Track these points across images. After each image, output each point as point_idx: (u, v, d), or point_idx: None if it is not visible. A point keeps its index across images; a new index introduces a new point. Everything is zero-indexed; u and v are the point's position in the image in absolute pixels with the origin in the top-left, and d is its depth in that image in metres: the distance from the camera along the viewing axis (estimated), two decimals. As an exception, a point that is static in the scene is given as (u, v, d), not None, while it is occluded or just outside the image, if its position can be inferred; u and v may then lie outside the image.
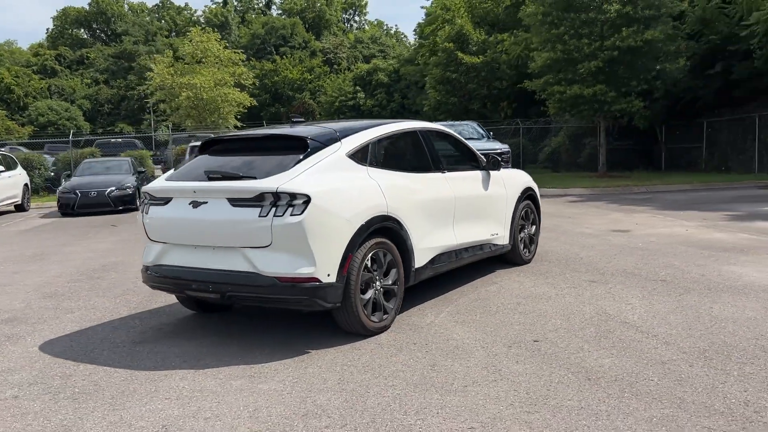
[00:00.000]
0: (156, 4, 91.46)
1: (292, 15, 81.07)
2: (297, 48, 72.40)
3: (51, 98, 64.96)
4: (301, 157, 4.70)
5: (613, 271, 6.77)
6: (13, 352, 4.83)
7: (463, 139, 6.76)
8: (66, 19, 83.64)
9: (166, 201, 4.88)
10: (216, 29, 48.25)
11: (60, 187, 17.24)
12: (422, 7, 45.09)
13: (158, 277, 4.99)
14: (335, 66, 70.00)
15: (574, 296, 5.78)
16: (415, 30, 46.96)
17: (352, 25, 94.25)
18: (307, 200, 4.36)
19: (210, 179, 4.72)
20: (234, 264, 4.52)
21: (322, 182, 4.55)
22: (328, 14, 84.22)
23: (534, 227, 7.54)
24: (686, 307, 5.29)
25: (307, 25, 79.91)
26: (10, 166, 17.48)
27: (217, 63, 33.14)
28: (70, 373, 4.28)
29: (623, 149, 24.29)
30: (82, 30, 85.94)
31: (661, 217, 11.36)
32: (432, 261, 5.52)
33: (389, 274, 4.99)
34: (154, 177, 22.78)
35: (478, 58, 29.70)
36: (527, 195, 7.33)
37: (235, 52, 35.60)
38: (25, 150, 26.57)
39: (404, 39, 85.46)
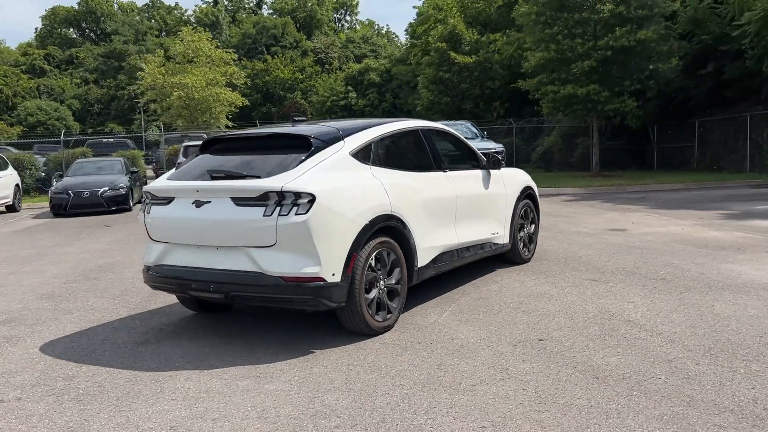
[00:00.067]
0: (146, 4, 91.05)
1: (283, 14, 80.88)
2: (288, 48, 72.23)
3: (40, 98, 64.47)
4: (305, 156, 4.67)
5: (613, 270, 6.79)
6: (14, 353, 4.77)
7: (464, 138, 6.76)
8: (55, 19, 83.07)
9: (168, 200, 4.84)
10: (207, 29, 48.04)
11: (52, 188, 17.12)
12: (414, 7, 44.98)
13: (160, 277, 4.95)
14: (327, 66, 69.91)
15: (575, 295, 5.79)
16: (406, 30, 47.03)
17: (343, 25, 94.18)
18: (312, 199, 4.33)
19: (213, 178, 4.68)
20: (238, 264, 4.49)
21: (327, 181, 4.53)
22: (319, 14, 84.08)
23: (533, 226, 7.54)
24: (688, 305, 5.30)
25: (298, 25, 79.75)
26: (0, 166, 17.33)
27: (208, 62, 33.01)
28: (73, 374, 4.23)
29: (616, 149, 24.41)
30: (71, 29, 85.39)
31: (657, 216, 11.41)
32: (434, 260, 5.51)
33: (393, 274, 4.98)
34: (146, 177, 22.69)
35: (471, 58, 29.74)
36: (527, 194, 7.33)
37: (226, 52, 35.46)
38: (14, 150, 26.34)
39: (395, 39, 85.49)
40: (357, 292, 4.55)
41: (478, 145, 16.39)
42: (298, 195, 4.32)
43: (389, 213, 4.87)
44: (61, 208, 15.94)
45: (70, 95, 69.55)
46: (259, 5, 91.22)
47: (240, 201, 4.44)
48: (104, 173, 17.39)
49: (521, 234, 7.23)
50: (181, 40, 34.15)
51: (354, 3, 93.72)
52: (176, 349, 4.70)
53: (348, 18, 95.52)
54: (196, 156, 5.35)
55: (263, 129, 5.58)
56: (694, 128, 23.22)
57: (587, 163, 23.60)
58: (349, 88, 50.99)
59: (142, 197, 18.12)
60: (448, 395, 3.62)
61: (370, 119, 5.92)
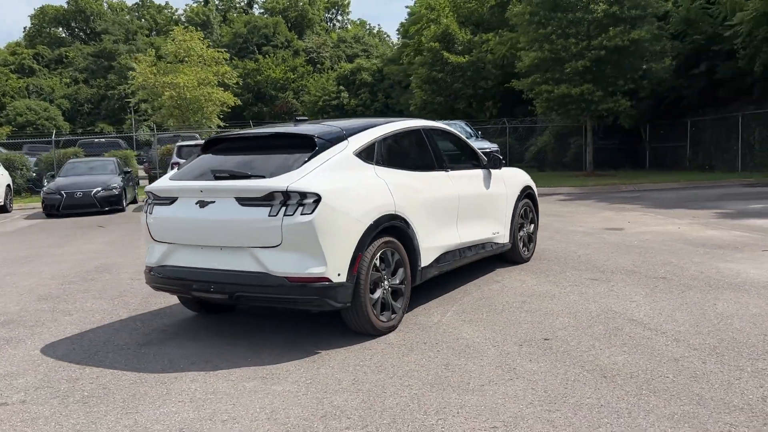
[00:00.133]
0: (136, 3, 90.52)
1: (275, 14, 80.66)
2: (280, 47, 72.05)
3: (29, 98, 63.95)
4: (309, 155, 4.65)
5: (613, 269, 6.80)
6: (15, 355, 4.72)
7: (465, 138, 6.76)
8: (44, 18, 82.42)
9: (171, 201, 4.80)
10: (198, 28, 47.81)
11: (44, 188, 16.98)
12: (407, 7, 45.00)
13: (162, 278, 4.91)
14: (318, 65, 69.79)
15: (577, 294, 5.79)
16: (398, 29, 47.06)
17: (334, 25, 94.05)
18: (318, 199, 4.31)
19: (217, 178, 4.65)
20: (242, 264, 4.46)
21: (332, 181, 4.51)
22: (310, 13, 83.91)
23: (533, 226, 7.55)
24: (690, 304, 5.32)
25: (289, 24, 79.56)
26: (-8, 166, 17.21)
27: (200, 62, 32.84)
28: (77, 376, 4.19)
29: (609, 148, 24.52)
30: (61, 28, 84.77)
31: (652, 215, 11.46)
32: (437, 260, 5.50)
33: (397, 274, 4.96)
34: (138, 177, 22.54)
35: (464, 58, 29.79)
36: (526, 194, 7.34)
37: (218, 51, 35.30)
38: (4, 150, 26.12)
39: (387, 39, 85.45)
40: (362, 293, 4.53)
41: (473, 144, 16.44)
42: (303, 195, 4.30)
43: (393, 213, 4.86)
44: (54, 209, 15.82)
45: (59, 95, 69.03)
46: (250, 4, 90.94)
47: (245, 201, 4.41)
48: (97, 173, 17.27)
49: (521, 233, 7.24)
50: (173, 40, 33.93)
51: (345, 2, 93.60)
52: (180, 350, 4.67)
53: (339, 17, 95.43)
54: (198, 156, 5.31)
55: (266, 128, 5.55)
56: (686, 128, 23.36)
57: (580, 163, 23.69)
58: (341, 87, 50.97)
59: (135, 197, 17.99)
60: (458, 395, 3.61)
61: (371, 119, 5.91)
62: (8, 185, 17.94)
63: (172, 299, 6.04)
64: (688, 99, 22.55)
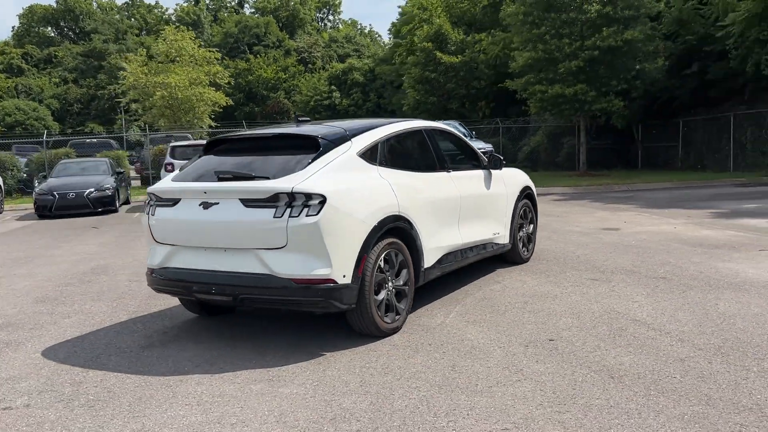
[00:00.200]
0: (125, 2, 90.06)
1: (266, 14, 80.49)
2: (271, 47, 71.87)
3: (18, 98, 63.41)
4: (313, 156, 4.63)
5: (613, 269, 6.82)
6: (15, 359, 4.67)
7: (465, 138, 6.75)
8: (32, 17, 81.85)
9: (174, 202, 4.76)
10: (189, 28, 47.57)
11: (36, 189, 16.84)
12: (399, 7, 45.02)
13: (165, 279, 4.87)
14: (310, 65, 69.66)
15: (579, 294, 5.80)
16: (389, 29, 47.02)
17: (326, 24, 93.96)
18: (323, 200, 4.29)
19: (220, 180, 4.62)
20: (247, 266, 4.43)
21: (337, 182, 4.49)
22: (302, 13, 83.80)
23: (532, 226, 7.56)
24: (692, 303, 5.34)
25: (280, 24, 79.40)
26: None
27: (191, 62, 32.67)
28: (80, 380, 4.15)
29: (601, 148, 24.61)
30: (50, 28, 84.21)
31: (647, 215, 11.51)
32: (440, 261, 5.50)
33: (400, 275, 4.95)
34: (129, 178, 22.37)
35: (457, 58, 29.83)
36: (525, 194, 7.35)
37: (210, 51, 35.13)
38: (-6, 151, 25.87)
39: (378, 38, 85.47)
40: (367, 294, 4.52)
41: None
42: (309, 196, 4.28)
43: (397, 214, 4.85)
44: (46, 210, 15.69)
45: (48, 95, 68.53)
46: (240, 4, 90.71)
47: (249, 202, 4.38)
48: (89, 174, 17.14)
49: (520, 234, 7.24)
50: (164, 40, 33.74)
51: (337, 2, 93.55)
52: (183, 352, 4.63)
53: (331, 17, 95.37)
54: (199, 157, 5.27)
55: (269, 129, 5.51)
56: (678, 128, 23.48)
57: (573, 163, 23.78)
58: (333, 87, 50.91)
59: (128, 198, 17.82)
60: (467, 397, 3.60)
61: (371, 119, 5.89)
62: (-1, 186, 17.80)
63: (172, 301, 6.00)
64: (680, 99, 22.68)
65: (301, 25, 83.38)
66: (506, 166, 7.09)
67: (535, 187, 7.83)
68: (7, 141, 31.66)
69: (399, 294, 4.94)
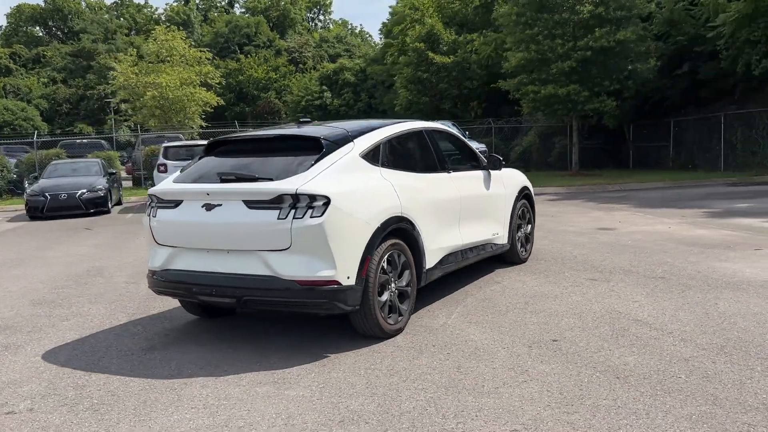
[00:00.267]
0: (114, 2, 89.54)
1: (256, 13, 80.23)
2: (261, 47, 71.64)
3: (6, 98, 62.88)
4: (316, 157, 4.61)
5: (611, 269, 6.85)
6: (16, 362, 4.62)
7: (465, 139, 6.76)
8: (20, 17, 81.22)
9: (175, 204, 4.73)
10: (179, 27, 47.33)
11: (27, 190, 16.71)
12: (390, 7, 45.00)
13: (166, 282, 4.84)
14: (301, 65, 69.50)
15: (579, 294, 5.82)
16: (380, 29, 46.98)
17: (316, 24, 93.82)
18: (327, 202, 4.28)
19: (223, 181, 4.60)
20: (250, 268, 4.41)
21: (341, 183, 4.48)
22: (292, 13, 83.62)
23: (530, 226, 7.58)
24: (692, 303, 5.37)
25: (271, 24, 79.18)
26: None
27: (182, 62, 32.51)
28: (83, 383, 4.11)
29: (593, 148, 24.71)
30: (38, 27, 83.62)
31: (641, 215, 11.57)
32: (441, 261, 5.50)
33: (403, 276, 4.95)
34: (121, 179, 22.23)
35: (449, 58, 29.84)
36: (524, 194, 7.37)
37: (201, 51, 34.97)
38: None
39: (369, 38, 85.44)
40: (371, 295, 4.51)
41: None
42: (313, 197, 4.27)
43: (400, 215, 4.84)
44: (38, 211, 15.57)
45: (37, 95, 68.00)
46: (231, 4, 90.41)
47: (253, 204, 4.36)
48: (81, 175, 17.03)
49: (519, 234, 7.26)
50: (155, 39, 33.56)
51: (327, 2, 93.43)
52: (186, 355, 4.60)
53: (321, 17, 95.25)
54: (200, 158, 5.25)
55: (271, 130, 5.48)
56: (669, 128, 23.61)
57: (565, 163, 23.87)
58: (324, 87, 50.75)
59: (120, 199, 17.73)
60: (474, 398, 3.60)
61: (371, 120, 5.88)
62: (-11, 187, 17.64)
63: (170, 303, 5.97)
64: (671, 99, 22.81)
65: (291, 25, 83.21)
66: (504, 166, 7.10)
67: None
68: (-5, 142, 31.39)
69: (402, 295, 4.94)
